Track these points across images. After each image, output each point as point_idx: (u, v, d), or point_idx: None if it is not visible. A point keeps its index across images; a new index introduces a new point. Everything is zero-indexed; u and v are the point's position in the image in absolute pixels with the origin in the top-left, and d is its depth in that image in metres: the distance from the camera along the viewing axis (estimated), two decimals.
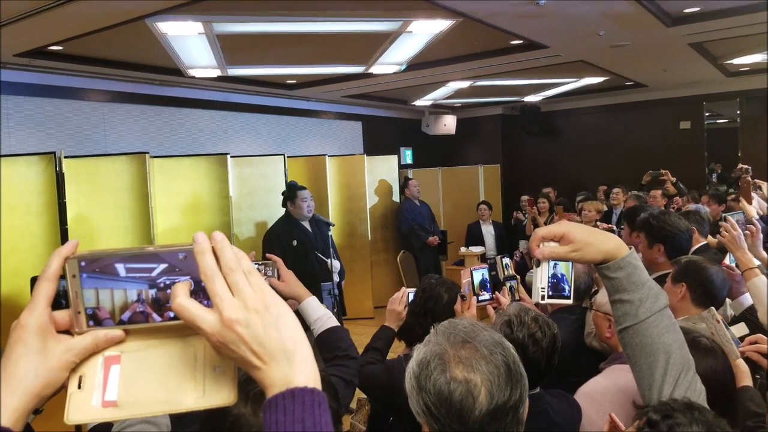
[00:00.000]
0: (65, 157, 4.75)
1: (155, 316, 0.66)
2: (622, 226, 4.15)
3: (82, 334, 0.65)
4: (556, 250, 1.15)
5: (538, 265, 1.17)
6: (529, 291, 3.21)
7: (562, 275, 1.25)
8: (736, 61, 7.46)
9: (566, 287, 1.23)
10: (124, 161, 5.08)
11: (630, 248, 1.17)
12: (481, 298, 2.35)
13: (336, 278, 5.25)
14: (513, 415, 1.02)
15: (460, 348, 1.05)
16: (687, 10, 5.16)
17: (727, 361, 1.58)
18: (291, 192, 5.26)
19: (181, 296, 0.62)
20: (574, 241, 1.14)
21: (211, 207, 5.66)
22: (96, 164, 5.05)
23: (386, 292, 7.75)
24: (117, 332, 0.66)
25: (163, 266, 0.65)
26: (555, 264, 1.18)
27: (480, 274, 2.39)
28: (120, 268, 0.65)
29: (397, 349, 2.46)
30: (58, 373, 0.64)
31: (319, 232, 5.28)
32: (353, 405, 2.95)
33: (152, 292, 0.65)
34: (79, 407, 0.63)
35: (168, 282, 0.65)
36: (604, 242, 1.16)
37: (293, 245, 5.09)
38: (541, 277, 1.17)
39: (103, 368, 0.65)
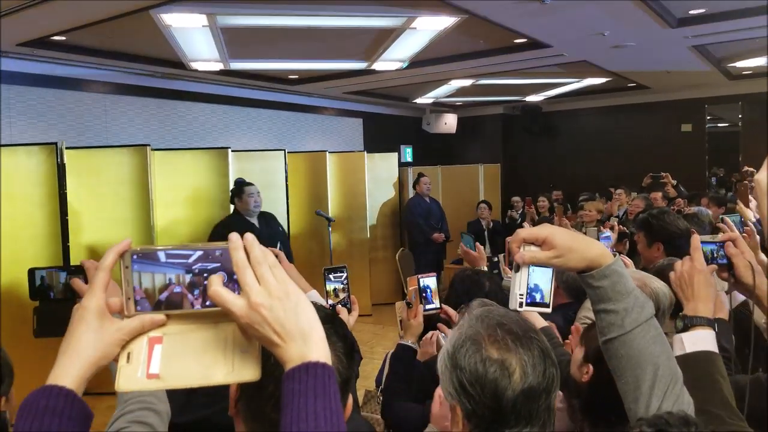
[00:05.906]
0: (66, 148, 4.75)
1: (190, 296, 0.78)
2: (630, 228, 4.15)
3: (130, 318, 0.78)
4: (537, 255, 1.10)
5: (517, 270, 1.11)
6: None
7: (536, 284, 1.16)
8: (739, 64, 7.46)
9: (541, 293, 1.16)
10: (126, 153, 5.08)
11: (615, 255, 1.13)
12: (428, 307, 2.26)
13: None
14: (546, 397, 1.03)
15: (495, 330, 1.06)
16: (692, 12, 5.17)
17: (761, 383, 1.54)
18: (238, 188, 5.28)
19: (216, 284, 0.74)
20: (556, 246, 1.09)
21: (212, 201, 5.65)
22: (97, 156, 5.05)
23: (384, 289, 7.80)
24: (160, 317, 0.78)
25: (198, 253, 0.77)
26: (533, 269, 1.12)
27: (425, 282, 2.28)
28: (161, 255, 0.78)
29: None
30: (111, 347, 0.77)
31: (266, 228, 5.27)
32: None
33: (188, 276, 0.77)
34: (128, 378, 0.76)
35: (202, 269, 0.77)
36: (589, 249, 1.10)
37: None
38: (519, 283, 1.11)
39: (148, 347, 0.77)
